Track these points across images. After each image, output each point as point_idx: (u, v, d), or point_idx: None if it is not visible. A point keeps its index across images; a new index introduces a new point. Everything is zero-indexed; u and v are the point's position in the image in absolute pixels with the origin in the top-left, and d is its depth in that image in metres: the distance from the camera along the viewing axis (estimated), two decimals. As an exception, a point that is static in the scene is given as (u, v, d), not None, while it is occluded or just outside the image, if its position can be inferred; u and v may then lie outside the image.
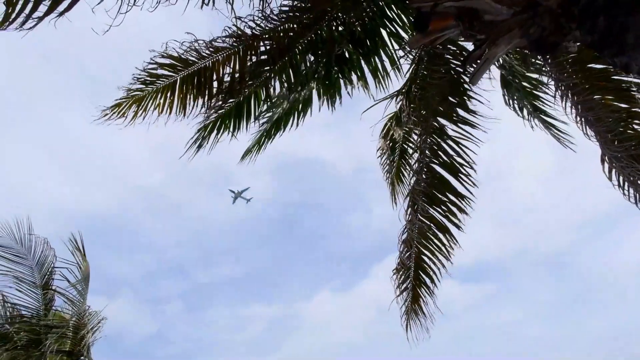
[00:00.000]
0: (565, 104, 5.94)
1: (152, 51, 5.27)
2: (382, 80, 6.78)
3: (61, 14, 3.54)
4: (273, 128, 7.54)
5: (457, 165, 6.22)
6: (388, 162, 6.91)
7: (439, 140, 6.43)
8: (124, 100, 5.28)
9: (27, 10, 3.26)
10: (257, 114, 6.40)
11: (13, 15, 3.22)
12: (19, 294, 8.07)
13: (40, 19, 3.52)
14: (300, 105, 7.35)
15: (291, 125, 7.39)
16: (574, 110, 5.10)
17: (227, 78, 5.76)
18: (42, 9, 3.30)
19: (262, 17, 5.86)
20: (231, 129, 5.99)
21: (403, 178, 6.77)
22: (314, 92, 7.11)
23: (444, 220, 6.12)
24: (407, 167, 6.74)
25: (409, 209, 6.40)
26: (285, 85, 6.49)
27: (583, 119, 5.03)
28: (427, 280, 6.28)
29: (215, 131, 5.89)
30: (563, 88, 5.76)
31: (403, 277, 6.39)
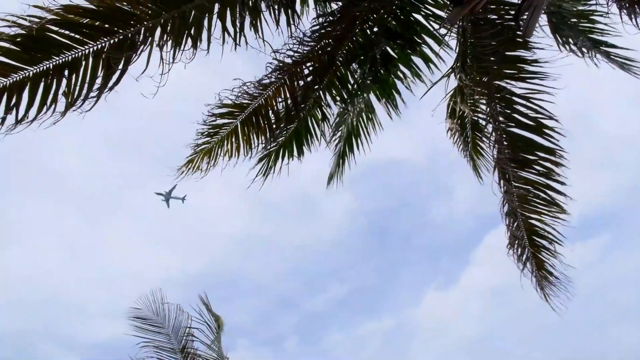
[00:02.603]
0: (636, 19, 5.34)
1: (207, 105, 5.71)
2: (433, 62, 6.63)
3: (111, 88, 4.01)
4: (346, 146, 7.64)
5: (537, 122, 5.76)
6: (462, 140, 6.61)
7: (509, 103, 6.04)
8: (194, 155, 5.73)
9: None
10: (319, 135, 6.56)
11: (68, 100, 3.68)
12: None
13: (97, 97, 4.03)
14: (365, 116, 7.41)
15: (365, 136, 7.44)
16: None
17: (281, 107, 6.03)
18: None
19: (297, 43, 6.10)
20: (295, 155, 6.18)
21: (482, 151, 6.41)
22: (373, 98, 7.15)
23: (541, 179, 5.64)
24: (484, 139, 6.38)
25: (501, 180, 5.99)
26: (338, 99, 6.61)
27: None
28: (545, 243, 5.78)
29: (280, 159, 6.11)
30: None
31: (519, 248, 5.94)
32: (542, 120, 5.79)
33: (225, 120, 5.98)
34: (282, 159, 6.14)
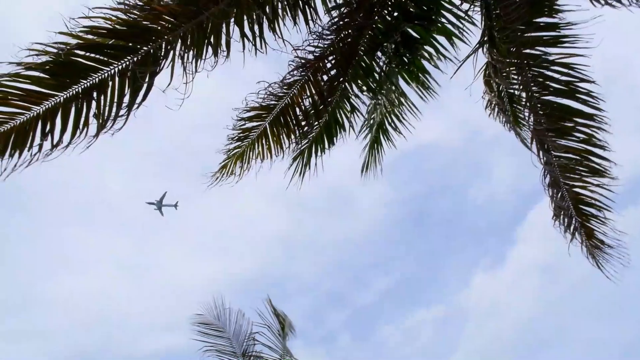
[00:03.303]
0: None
1: (235, 109, 5.77)
2: (460, 38, 6.45)
3: (139, 105, 4.11)
4: (378, 134, 7.57)
5: (572, 87, 5.51)
6: (502, 113, 6.40)
7: (542, 71, 5.81)
8: (227, 160, 5.81)
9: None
10: (350, 127, 6.52)
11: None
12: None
13: (127, 115, 4.13)
14: (396, 102, 7.30)
15: (397, 122, 7.34)
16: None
17: (308, 104, 6.02)
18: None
19: (317, 38, 6.07)
20: (327, 148, 6.16)
21: (522, 122, 6.20)
22: (403, 84, 7.03)
23: (582, 145, 5.40)
24: (521, 111, 6.17)
25: (540, 152, 5.78)
26: (365, 89, 6.54)
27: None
28: (593, 211, 5.53)
29: (313, 156, 6.11)
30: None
31: (566, 219, 5.71)
32: (577, 85, 5.54)
33: (254, 123, 6.03)
34: (315, 155, 6.13)
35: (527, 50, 5.91)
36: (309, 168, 6.08)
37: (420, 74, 6.86)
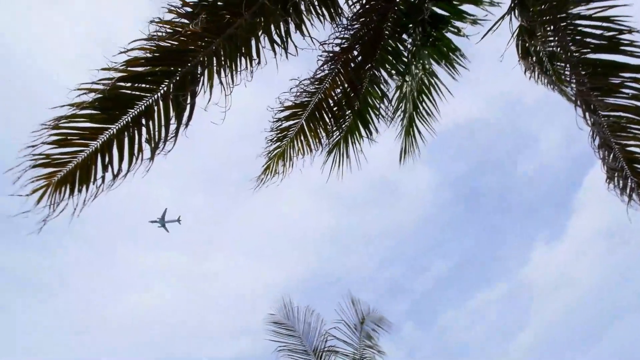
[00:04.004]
0: None
1: (270, 109, 5.89)
2: (487, 4, 6.29)
3: (186, 124, 4.29)
4: (413, 117, 7.50)
5: (613, 40, 5.29)
6: (544, 75, 6.22)
7: (578, 27, 5.58)
8: (269, 161, 5.96)
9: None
10: (382, 114, 6.52)
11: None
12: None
13: (176, 136, 4.32)
14: (427, 83, 7.22)
15: (431, 103, 7.26)
16: None
17: (340, 95, 6.06)
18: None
19: (342, 29, 6.07)
20: (364, 137, 6.20)
21: (566, 82, 6.00)
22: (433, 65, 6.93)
23: (632, 102, 5.19)
24: (562, 70, 5.98)
25: (586, 113, 5.60)
26: (394, 73, 6.50)
27: None
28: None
29: (350, 145, 6.17)
30: None
31: (621, 180, 5.53)
32: (619, 38, 5.30)
33: (291, 122, 6.14)
34: (353, 145, 6.19)
35: (562, 9, 5.71)
36: (348, 159, 6.14)
37: (449, 53, 6.73)
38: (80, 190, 3.86)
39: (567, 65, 5.77)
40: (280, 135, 6.05)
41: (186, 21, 4.27)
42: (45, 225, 3.58)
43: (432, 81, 7.12)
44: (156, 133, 4.17)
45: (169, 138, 4.22)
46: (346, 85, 6.10)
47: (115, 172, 4.01)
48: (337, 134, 6.11)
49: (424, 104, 7.28)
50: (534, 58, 6.56)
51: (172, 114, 4.21)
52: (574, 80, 5.76)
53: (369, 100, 6.18)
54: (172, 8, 4.14)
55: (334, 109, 6.02)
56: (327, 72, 6.14)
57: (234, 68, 4.48)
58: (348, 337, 9.44)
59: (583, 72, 5.58)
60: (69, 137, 3.80)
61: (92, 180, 3.91)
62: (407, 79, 6.68)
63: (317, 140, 6.09)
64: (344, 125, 6.13)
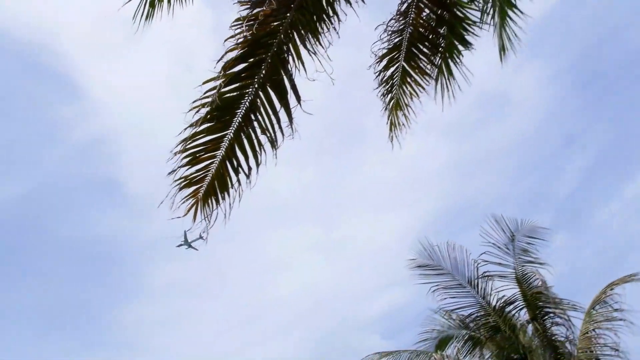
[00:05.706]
0: None
1: (369, 68, 5.70)
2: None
3: (298, 102, 4.31)
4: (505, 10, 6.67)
5: None
6: None
7: None
8: (390, 115, 5.85)
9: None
10: (475, 21, 5.86)
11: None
12: (451, 300, 8.75)
13: (290, 120, 4.38)
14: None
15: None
16: None
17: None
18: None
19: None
20: (463, 49, 5.65)
21: None
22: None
23: None
24: None
25: None
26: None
27: None
28: None
29: (452, 66, 5.68)
30: None
31: None
32: None
33: (393, 69, 5.87)
34: (455, 64, 5.67)
35: None
36: (454, 79, 5.63)
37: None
38: (223, 197, 4.10)
39: None
40: (387, 86, 5.83)
41: (257, 9, 4.30)
42: (208, 235, 3.86)
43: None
44: (267, 122, 4.25)
45: (281, 125, 4.28)
46: (431, 4, 5.66)
47: (247, 171, 4.18)
48: (438, 58, 5.67)
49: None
50: None
51: (275, 100, 4.26)
52: None
53: (457, 11, 5.62)
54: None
55: (428, 35, 5.61)
56: (409, 1, 5.75)
57: (317, 34, 4.40)
58: (501, 258, 8.78)
59: None
60: (197, 155, 4.06)
61: (229, 185, 4.13)
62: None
63: (423, 75, 5.74)
64: (440, 48, 5.67)
